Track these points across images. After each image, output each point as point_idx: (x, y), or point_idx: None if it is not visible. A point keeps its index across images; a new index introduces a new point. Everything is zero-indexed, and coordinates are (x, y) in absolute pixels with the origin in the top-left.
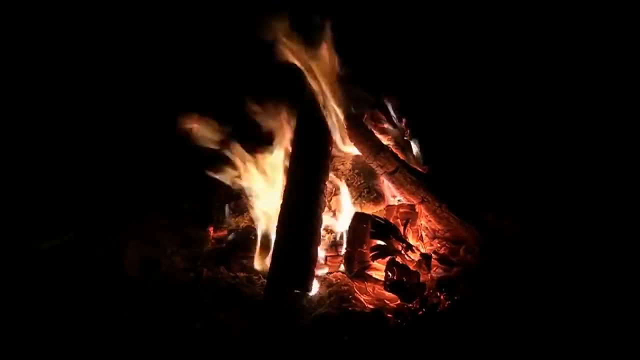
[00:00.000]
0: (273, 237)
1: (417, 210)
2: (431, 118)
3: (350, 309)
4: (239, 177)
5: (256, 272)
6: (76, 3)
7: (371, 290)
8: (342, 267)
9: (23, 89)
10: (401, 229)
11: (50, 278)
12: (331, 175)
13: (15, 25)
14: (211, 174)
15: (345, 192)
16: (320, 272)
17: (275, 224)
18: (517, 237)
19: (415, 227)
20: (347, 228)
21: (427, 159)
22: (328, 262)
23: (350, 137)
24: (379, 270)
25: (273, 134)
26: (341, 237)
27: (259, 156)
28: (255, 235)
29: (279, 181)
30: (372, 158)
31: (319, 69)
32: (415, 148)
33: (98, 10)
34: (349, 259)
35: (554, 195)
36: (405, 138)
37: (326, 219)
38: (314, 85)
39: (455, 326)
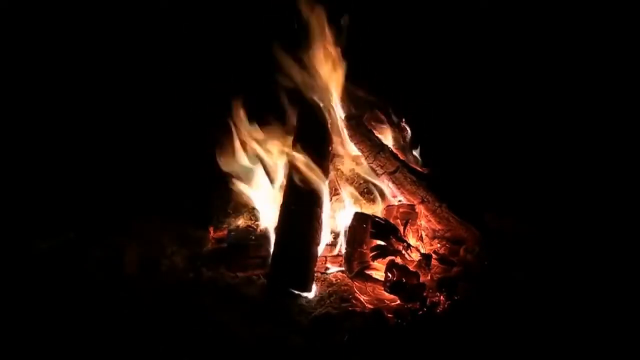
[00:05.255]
0: (273, 237)
1: (417, 210)
2: (431, 118)
3: (350, 309)
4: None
5: (256, 272)
6: (76, 3)
7: (371, 290)
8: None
9: (23, 89)
10: (401, 229)
11: (50, 278)
12: (331, 175)
13: (15, 25)
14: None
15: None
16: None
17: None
18: (517, 237)
19: (415, 227)
20: (347, 228)
21: (427, 159)
22: (328, 262)
23: (350, 137)
24: (379, 270)
25: (274, 133)
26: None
27: (260, 155)
28: (255, 236)
29: (280, 181)
30: (372, 158)
31: (321, 68)
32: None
33: (98, 10)
34: (349, 259)
35: (554, 195)
36: (405, 138)
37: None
38: (314, 85)
39: (455, 326)
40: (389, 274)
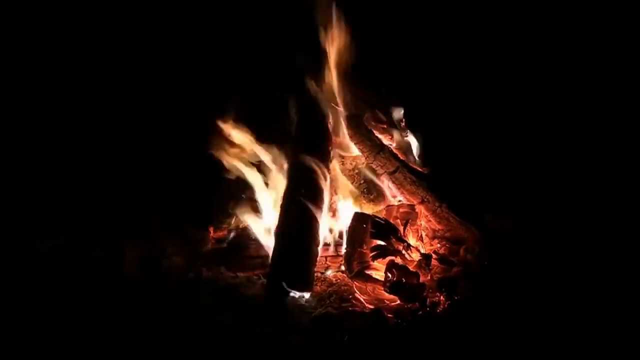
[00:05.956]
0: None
1: (417, 210)
2: (431, 118)
3: (350, 309)
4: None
5: (256, 272)
6: (76, 3)
7: (371, 290)
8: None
9: (23, 89)
10: (401, 229)
11: (50, 278)
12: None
13: (15, 25)
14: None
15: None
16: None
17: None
18: (517, 237)
19: (415, 227)
20: (347, 228)
21: (427, 159)
22: (328, 262)
23: (350, 137)
24: (379, 270)
25: (274, 134)
26: (341, 236)
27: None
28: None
29: (280, 182)
30: (372, 158)
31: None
32: (414, 148)
33: (98, 10)
34: (349, 259)
35: (554, 195)
36: (405, 138)
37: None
38: (315, 85)
39: (455, 326)
40: (389, 274)
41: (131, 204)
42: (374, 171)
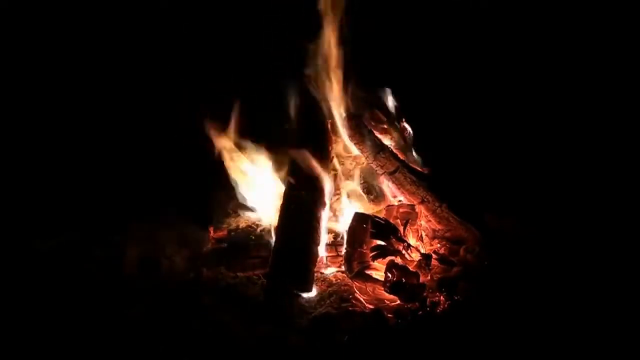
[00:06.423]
0: (273, 237)
1: (417, 210)
2: (431, 118)
3: (350, 309)
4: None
5: (256, 272)
6: (76, 3)
7: (371, 290)
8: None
9: (23, 89)
10: (401, 229)
11: (50, 278)
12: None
13: (15, 25)
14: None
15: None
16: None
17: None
18: (517, 237)
19: (415, 227)
20: (347, 228)
21: (427, 159)
22: (328, 262)
23: (350, 137)
24: (379, 270)
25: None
26: (341, 237)
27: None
28: (255, 236)
29: (280, 181)
30: (372, 158)
31: (321, 68)
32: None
33: (98, 10)
34: (349, 259)
35: (554, 195)
36: (405, 138)
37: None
38: (314, 85)
39: (455, 326)
40: (389, 274)
41: (131, 204)
42: (374, 171)
